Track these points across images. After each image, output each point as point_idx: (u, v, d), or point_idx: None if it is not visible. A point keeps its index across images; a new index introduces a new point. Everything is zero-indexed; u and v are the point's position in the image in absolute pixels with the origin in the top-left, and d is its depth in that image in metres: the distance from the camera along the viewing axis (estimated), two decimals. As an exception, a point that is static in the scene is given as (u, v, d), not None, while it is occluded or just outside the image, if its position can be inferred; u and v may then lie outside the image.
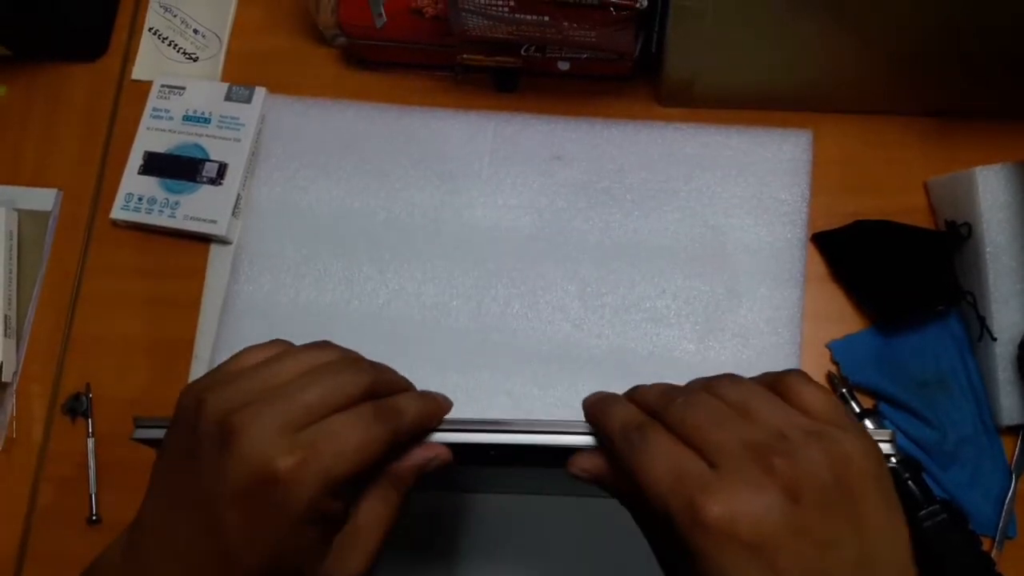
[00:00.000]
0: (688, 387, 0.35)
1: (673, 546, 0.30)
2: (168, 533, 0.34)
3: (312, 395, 0.34)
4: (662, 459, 0.31)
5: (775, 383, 0.33)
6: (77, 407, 0.64)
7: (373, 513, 0.36)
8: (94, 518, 0.62)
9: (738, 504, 0.28)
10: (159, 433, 0.38)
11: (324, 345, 0.38)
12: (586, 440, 0.36)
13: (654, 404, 0.34)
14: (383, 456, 0.35)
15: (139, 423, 0.39)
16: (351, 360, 0.38)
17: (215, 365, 0.62)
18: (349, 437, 0.33)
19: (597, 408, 0.36)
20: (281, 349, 0.38)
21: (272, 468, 0.32)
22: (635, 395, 0.36)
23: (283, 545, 0.33)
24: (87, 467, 0.63)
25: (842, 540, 0.29)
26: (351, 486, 0.34)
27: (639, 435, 0.32)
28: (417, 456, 0.37)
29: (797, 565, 0.28)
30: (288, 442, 0.32)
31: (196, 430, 0.34)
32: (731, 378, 0.34)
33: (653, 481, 0.30)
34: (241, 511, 0.32)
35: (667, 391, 0.34)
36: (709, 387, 0.33)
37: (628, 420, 0.33)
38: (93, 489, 0.62)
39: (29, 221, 0.69)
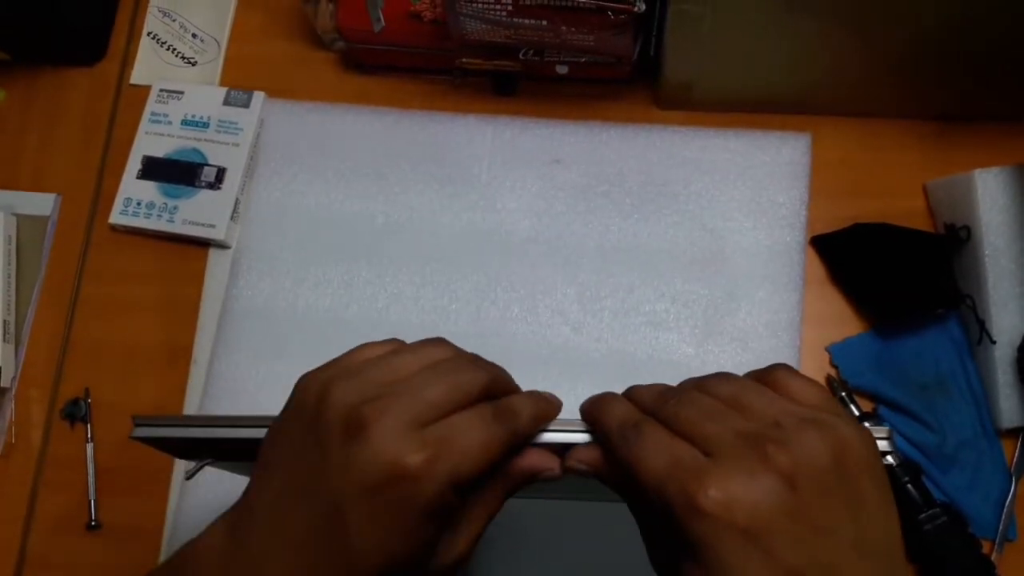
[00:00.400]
0: (681, 386, 0.35)
1: (671, 537, 0.30)
2: (285, 521, 0.33)
3: (436, 392, 0.34)
4: (658, 451, 0.31)
5: (763, 376, 0.34)
6: (76, 412, 0.64)
7: (481, 503, 0.36)
8: (93, 523, 0.62)
9: (734, 490, 0.29)
10: (158, 432, 0.38)
11: (439, 342, 0.38)
12: (584, 438, 0.36)
13: (650, 403, 0.34)
14: (502, 457, 0.35)
15: (138, 422, 0.39)
16: (469, 358, 0.37)
17: (213, 370, 0.63)
18: (473, 436, 0.33)
19: (595, 407, 0.36)
20: (398, 345, 0.38)
21: (402, 464, 0.31)
22: (631, 394, 0.37)
23: (406, 540, 0.32)
24: (86, 472, 0.63)
25: (839, 525, 0.29)
26: (474, 485, 0.34)
27: (635, 431, 0.33)
28: (533, 460, 0.36)
29: (794, 550, 0.28)
30: (417, 438, 0.32)
31: (320, 419, 0.33)
32: (722, 375, 0.35)
33: (650, 472, 0.31)
34: (368, 505, 0.32)
35: (663, 391, 0.35)
36: (701, 385, 0.34)
37: (625, 417, 0.34)
38: (92, 494, 0.62)
39: (28, 226, 0.69)
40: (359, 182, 0.66)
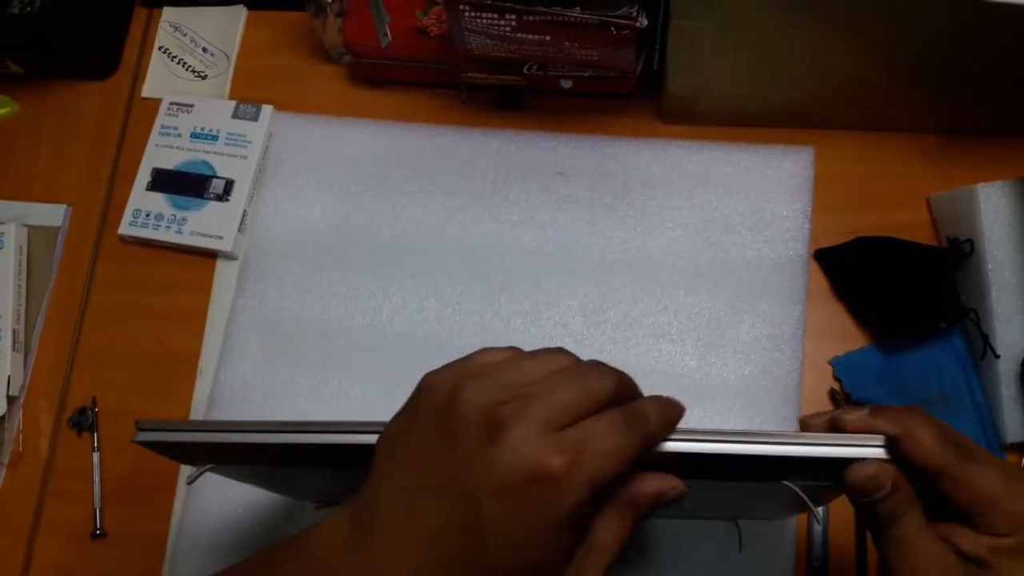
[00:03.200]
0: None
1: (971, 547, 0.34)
2: (415, 515, 0.33)
3: (569, 395, 0.34)
4: (995, 480, 0.35)
5: None
6: (83, 421, 0.65)
7: (611, 531, 0.35)
8: (98, 532, 0.62)
9: None
10: (160, 436, 0.38)
11: (560, 349, 0.38)
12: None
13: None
14: (634, 464, 0.34)
15: (141, 426, 0.39)
16: (592, 363, 0.37)
17: (219, 379, 0.63)
18: (609, 441, 0.33)
19: (895, 421, 0.36)
20: (518, 351, 0.37)
21: (544, 466, 0.31)
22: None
23: (540, 548, 0.32)
24: (92, 481, 0.63)
25: None
26: (604, 494, 0.34)
27: (962, 454, 0.35)
28: (654, 484, 0.36)
29: None
30: (557, 441, 0.32)
31: (453, 416, 0.33)
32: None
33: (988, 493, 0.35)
34: (506, 505, 0.31)
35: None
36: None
37: (943, 436, 0.35)
38: (98, 503, 0.63)
39: (38, 237, 0.70)
40: (365, 194, 0.67)
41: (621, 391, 0.36)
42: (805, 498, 0.38)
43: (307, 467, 0.42)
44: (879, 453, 0.34)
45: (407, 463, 0.34)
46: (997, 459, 0.37)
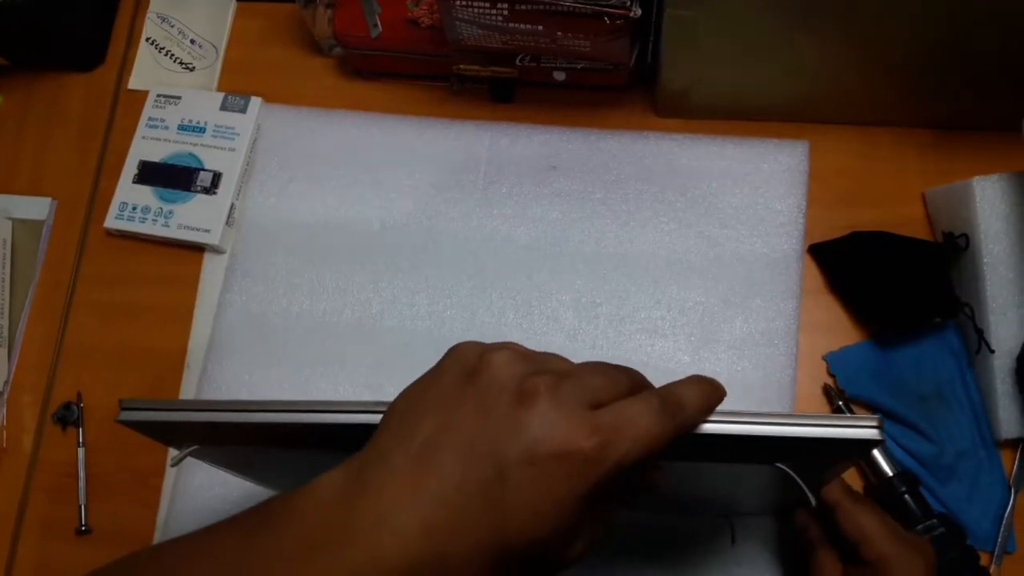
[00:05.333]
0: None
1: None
2: (430, 472, 0.31)
3: (598, 380, 0.33)
4: (875, 522, 0.48)
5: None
6: (68, 416, 0.64)
7: (611, 508, 0.35)
8: (83, 528, 0.61)
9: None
10: (145, 416, 0.38)
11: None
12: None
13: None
14: (664, 450, 0.33)
15: (125, 405, 0.38)
16: (603, 362, 0.37)
17: (207, 374, 0.63)
18: (643, 425, 0.32)
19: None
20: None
21: (575, 444, 0.31)
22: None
23: (555, 521, 0.31)
24: (77, 477, 0.62)
25: None
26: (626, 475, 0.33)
27: (856, 498, 0.50)
28: (649, 476, 0.36)
29: None
30: (591, 419, 0.32)
31: (487, 380, 0.33)
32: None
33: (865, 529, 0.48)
34: (531, 473, 0.31)
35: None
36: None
37: (845, 484, 0.50)
38: (83, 499, 0.62)
39: (23, 230, 0.69)
40: (355, 188, 0.66)
41: (636, 388, 0.35)
42: (799, 480, 0.38)
43: (295, 451, 0.41)
44: (873, 434, 0.34)
45: (427, 423, 0.33)
46: (883, 511, 0.49)
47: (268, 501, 0.33)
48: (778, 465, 0.38)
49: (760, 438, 0.35)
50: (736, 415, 0.35)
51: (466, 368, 0.34)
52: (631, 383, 0.35)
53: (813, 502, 0.40)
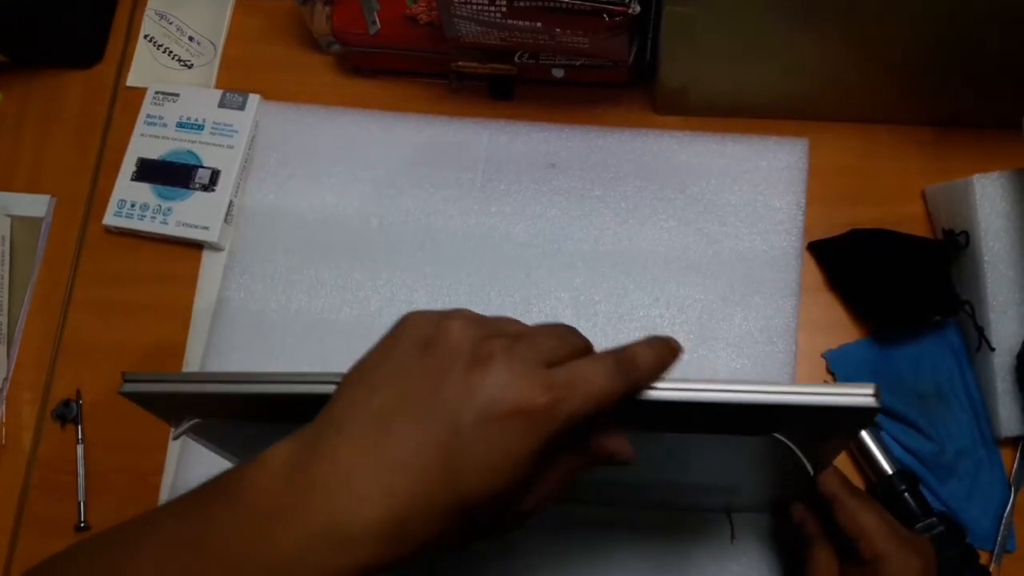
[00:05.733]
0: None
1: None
2: (387, 439, 0.32)
3: (552, 342, 0.34)
4: (873, 519, 0.48)
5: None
6: (67, 413, 0.64)
7: (563, 465, 0.35)
8: (82, 525, 0.61)
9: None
10: (147, 387, 0.38)
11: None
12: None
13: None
14: (615, 406, 0.34)
15: (128, 377, 0.39)
16: (558, 323, 0.38)
17: (206, 371, 0.62)
18: (596, 383, 0.33)
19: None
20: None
21: (531, 399, 0.32)
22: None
23: (510, 475, 0.32)
24: (77, 474, 0.62)
25: None
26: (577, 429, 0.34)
27: (855, 492, 0.49)
28: (615, 444, 0.36)
29: None
30: (545, 376, 0.33)
31: (441, 346, 0.33)
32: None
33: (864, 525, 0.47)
34: (488, 431, 0.32)
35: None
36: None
37: (843, 477, 0.50)
38: (82, 496, 0.62)
39: (22, 227, 0.69)
40: (354, 185, 0.66)
41: (591, 351, 0.36)
42: (796, 450, 0.38)
43: (298, 426, 0.41)
44: (869, 401, 0.35)
45: (383, 389, 0.33)
46: (882, 508, 0.49)
47: (218, 476, 0.33)
48: (775, 435, 0.38)
49: (757, 407, 0.35)
50: (735, 384, 0.36)
51: (421, 337, 0.34)
52: (585, 345, 0.36)
53: (811, 471, 0.40)
